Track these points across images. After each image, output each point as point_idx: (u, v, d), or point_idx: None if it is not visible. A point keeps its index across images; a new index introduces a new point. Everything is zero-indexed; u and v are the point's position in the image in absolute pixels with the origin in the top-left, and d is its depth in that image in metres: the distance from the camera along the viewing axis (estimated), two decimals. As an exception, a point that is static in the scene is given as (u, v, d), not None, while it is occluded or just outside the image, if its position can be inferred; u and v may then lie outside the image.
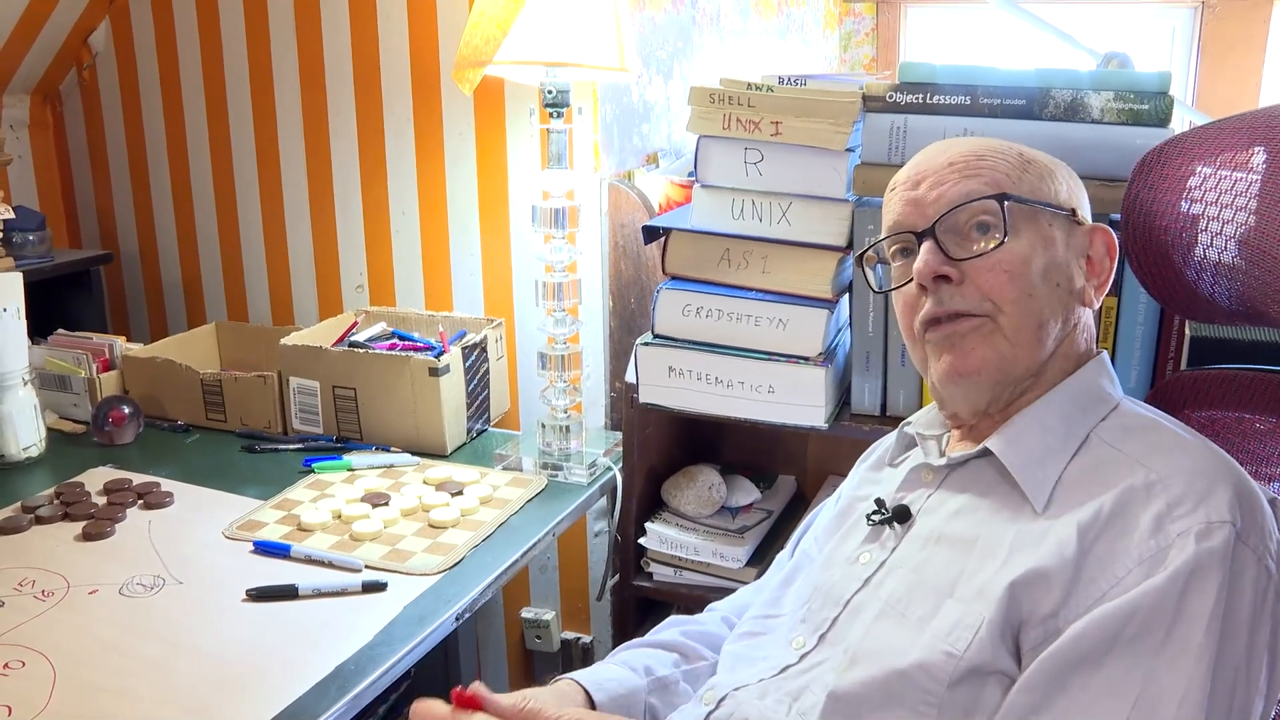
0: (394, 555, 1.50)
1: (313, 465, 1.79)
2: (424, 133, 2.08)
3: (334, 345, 1.93)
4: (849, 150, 1.45)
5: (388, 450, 1.85)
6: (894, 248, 1.05)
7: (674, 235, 1.59)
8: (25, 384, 1.82)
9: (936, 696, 0.88)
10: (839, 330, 1.57)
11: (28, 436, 1.82)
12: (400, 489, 1.71)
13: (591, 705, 1.08)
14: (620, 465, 1.74)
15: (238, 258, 2.36)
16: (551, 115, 1.67)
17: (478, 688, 0.95)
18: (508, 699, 0.95)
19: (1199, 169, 1.13)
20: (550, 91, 1.66)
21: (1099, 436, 0.97)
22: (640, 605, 1.77)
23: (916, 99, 1.42)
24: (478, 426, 1.95)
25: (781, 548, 1.58)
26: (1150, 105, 1.33)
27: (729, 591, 1.34)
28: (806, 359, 1.51)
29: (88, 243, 2.53)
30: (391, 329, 2.02)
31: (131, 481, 1.72)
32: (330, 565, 1.47)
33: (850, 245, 1.48)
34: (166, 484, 1.72)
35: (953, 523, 0.98)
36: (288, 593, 1.39)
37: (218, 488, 1.73)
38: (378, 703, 1.28)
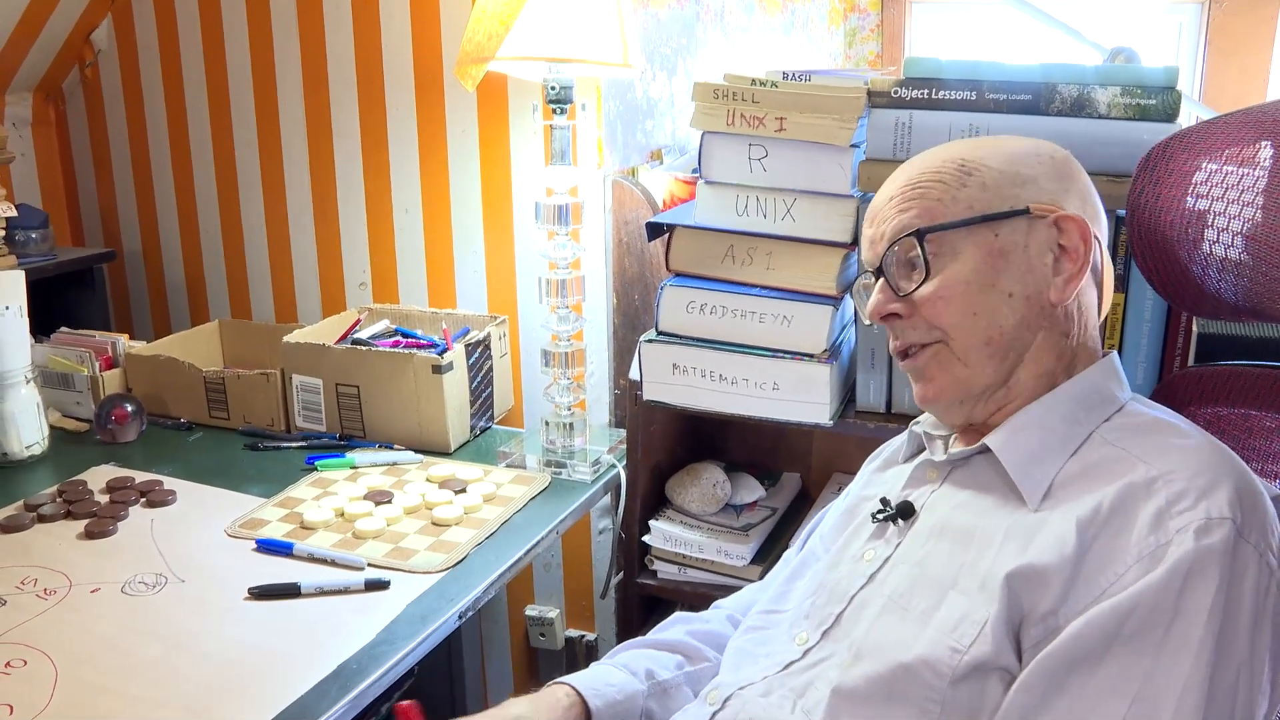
0: (397, 553, 1.49)
1: (315, 463, 1.78)
2: (427, 129, 2.07)
3: (337, 343, 1.92)
4: (854, 146, 1.45)
5: (391, 448, 1.85)
6: (868, 285, 1.08)
7: (678, 232, 1.58)
8: (28, 382, 1.81)
9: (940, 692, 0.88)
10: (844, 327, 1.56)
11: (30, 435, 1.82)
12: (403, 487, 1.70)
13: (587, 712, 1.08)
14: (624, 462, 1.73)
15: (240, 255, 2.35)
16: (555, 112, 1.66)
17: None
18: None
19: (1205, 164, 1.12)
20: (553, 88, 1.65)
21: (1101, 435, 0.96)
22: (644, 603, 1.77)
23: (922, 95, 1.41)
24: (481, 424, 1.95)
25: (786, 545, 1.58)
26: (1158, 100, 1.32)
27: (733, 589, 1.33)
28: (811, 356, 1.50)
29: (91, 240, 2.53)
30: (395, 326, 2.02)
31: (134, 480, 1.72)
32: (333, 563, 1.46)
33: (855, 241, 1.47)
34: (169, 482, 1.72)
35: (953, 516, 0.98)
36: (290, 591, 1.38)
37: (220, 486, 1.72)
38: (380, 701, 1.28)
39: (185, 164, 2.36)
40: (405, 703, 1.00)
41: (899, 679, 0.90)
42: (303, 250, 2.28)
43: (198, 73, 2.28)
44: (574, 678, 1.12)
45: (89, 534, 1.55)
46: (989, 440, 0.98)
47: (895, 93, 1.42)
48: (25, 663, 1.23)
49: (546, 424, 1.81)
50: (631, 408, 1.68)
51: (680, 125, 2.20)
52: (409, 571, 1.44)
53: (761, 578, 1.32)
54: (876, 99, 1.43)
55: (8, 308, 1.77)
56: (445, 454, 1.85)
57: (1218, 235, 1.09)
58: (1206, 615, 0.81)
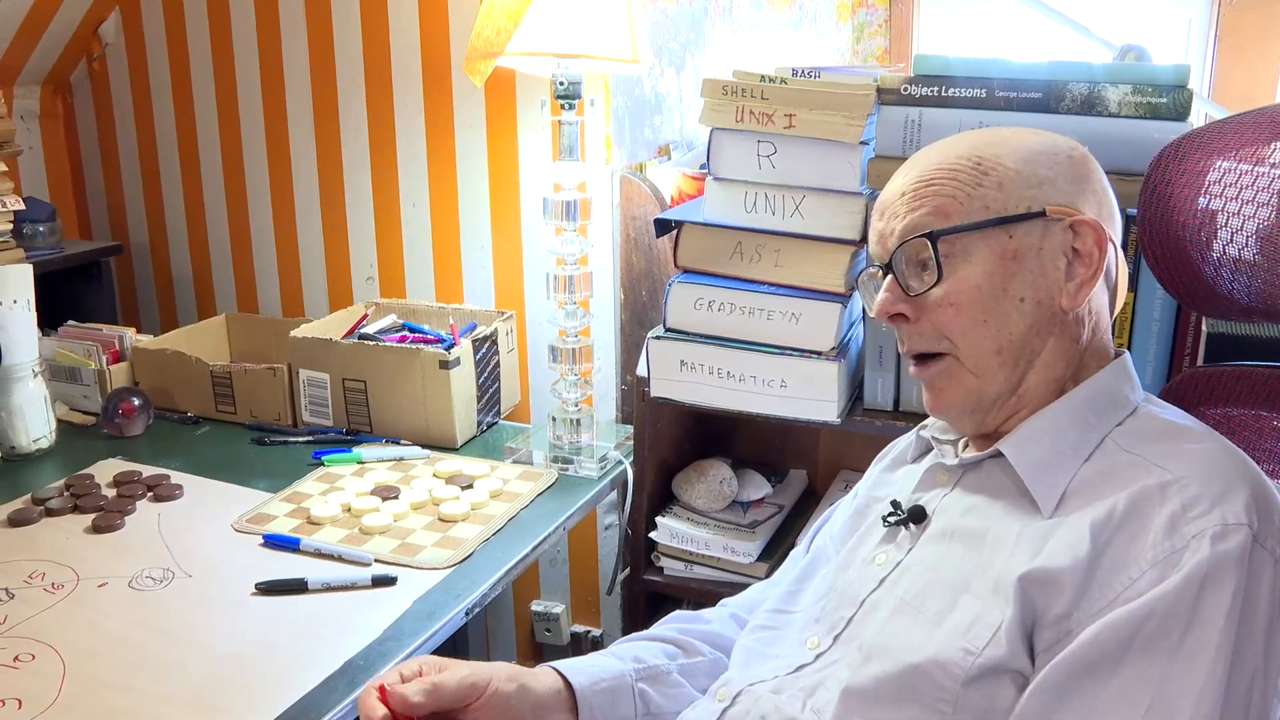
0: (404, 549, 1.49)
1: (322, 458, 1.78)
2: (435, 124, 2.07)
3: (344, 337, 1.92)
4: (863, 143, 1.44)
5: (398, 443, 1.85)
6: (875, 278, 1.06)
7: (686, 228, 1.58)
8: (35, 375, 1.82)
9: (952, 694, 0.87)
10: (852, 324, 1.56)
11: (38, 428, 1.82)
12: (410, 482, 1.70)
13: (570, 691, 1.07)
14: (631, 459, 1.73)
15: (248, 249, 2.35)
16: (563, 107, 1.66)
17: (394, 686, 1.00)
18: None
19: (1218, 163, 1.11)
20: (562, 83, 1.65)
21: (1114, 441, 0.95)
22: (650, 599, 1.77)
23: (931, 92, 1.41)
24: (488, 419, 1.95)
25: (793, 543, 1.58)
26: (1169, 99, 1.32)
27: (740, 586, 1.33)
28: (819, 353, 1.50)
29: (98, 234, 2.53)
30: (402, 321, 2.02)
31: (141, 474, 1.72)
32: (340, 559, 1.46)
33: (864, 239, 1.47)
34: (176, 476, 1.72)
35: (966, 520, 0.97)
36: (297, 586, 1.38)
37: (227, 480, 1.72)
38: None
39: (192, 157, 2.36)
40: (383, 683, 1.01)
41: (910, 679, 0.90)
42: (310, 244, 2.28)
43: (205, 66, 2.28)
44: (556, 662, 1.11)
45: (96, 528, 1.55)
46: (1002, 445, 0.97)
47: (905, 90, 1.42)
48: (33, 657, 1.24)
49: (553, 420, 1.81)
50: (639, 404, 1.67)
51: (688, 121, 2.19)
52: (416, 568, 1.44)
53: (768, 575, 1.31)
54: (886, 96, 1.43)
55: (15, 301, 1.77)
56: (452, 449, 1.85)
57: (1230, 235, 1.08)
58: (1223, 621, 0.81)
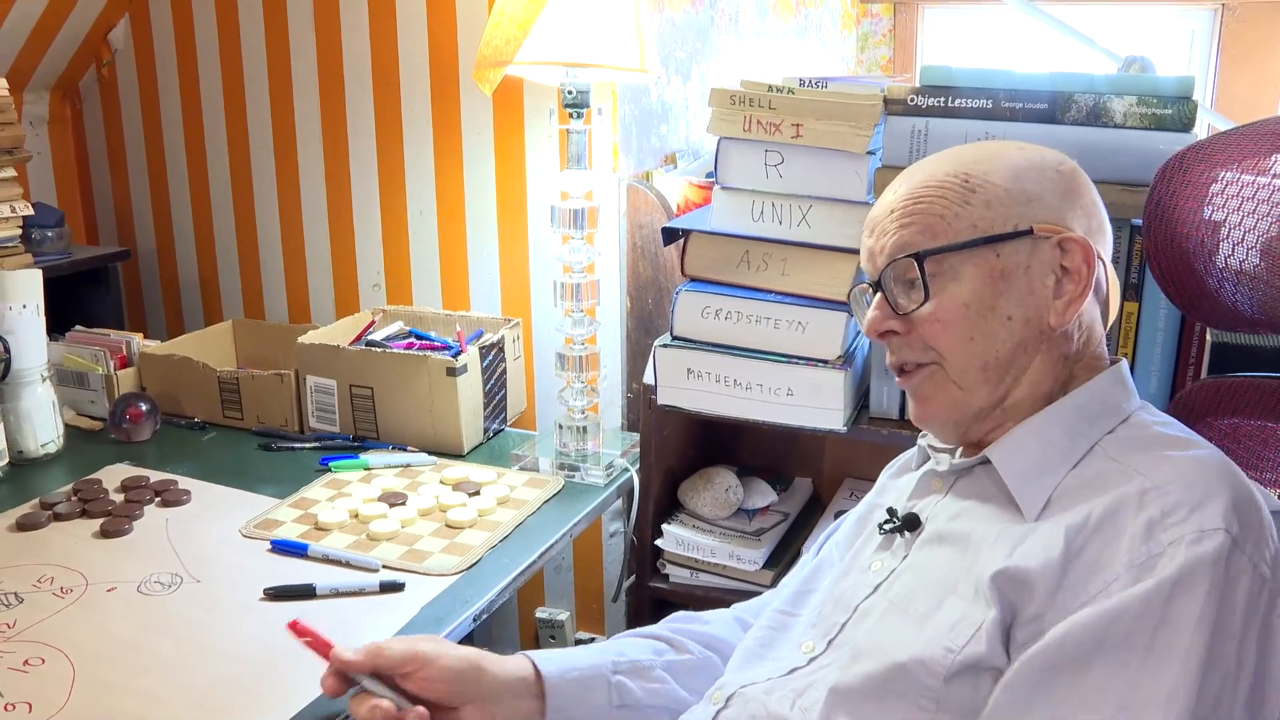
0: (411, 555, 1.50)
1: (329, 464, 1.79)
2: (442, 132, 2.08)
3: (351, 344, 1.93)
4: (870, 153, 1.45)
5: (404, 450, 1.85)
6: (866, 293, 1.07)
7: (693, 237, 1.59)
8: (44, 380, 1.82)
9: (934, 691, 0.88)
10: (858, 333, 1.57)
11: (46, 433, 1.83)
12: (417, 489, 1.71)
13: (539, 679, 1.07)
14: (637, 466, 1.74)
15: (255, 255, 2.36)
16: (571, 116, 1.67)
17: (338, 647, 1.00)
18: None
19: (1221, 175, 1.12)
20: (570, 92, 1.65)
21: (1103, 448, 0.95)
22: (656, 606, 1.77)
23: (938, 102, 1.42)
24: (494, 427, 1.95)
25: (798, 550, 1.58)
26: (1173, 110, 1.33)
27: (745, 594, 1.34)
28: (825, 362, 1.51)
29: (105, 239, 2.54)
30: (408, 328, 2.03)
31: (149, 479, 1.72)
32: (348, 565, 1.47)
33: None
34: (183, 482, 1.73)
35: (954, 523, 0.98)
36: (305, 592, 1.39)
37: (234, 486, 1.73)
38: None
39: (200, 163, 2.37)
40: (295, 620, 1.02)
41: (894, 677, 0.90)
42: (317, 251, 2.28)
43: (213, 73, 2.29)
44: (532, 652, 1.11)
45: (104, 533, 1.55)
46: (989, 452, 0.98)
47: (911, 100, 1.43)
48: (43, 660, 1.24)
49: (560, 427, 1.82)
50: (645, 412, 1.68)
51: (694, 130, 2.20)
52: (424, 574, 1.45)
53: (773, 583, 1.32)
54: (893, 106, 1.44)
55: (25, 306, 1.78)
56: (458, 456, 1.85)
57: (1233, 247, 1.09)
58: (1195, 623, 0.80)
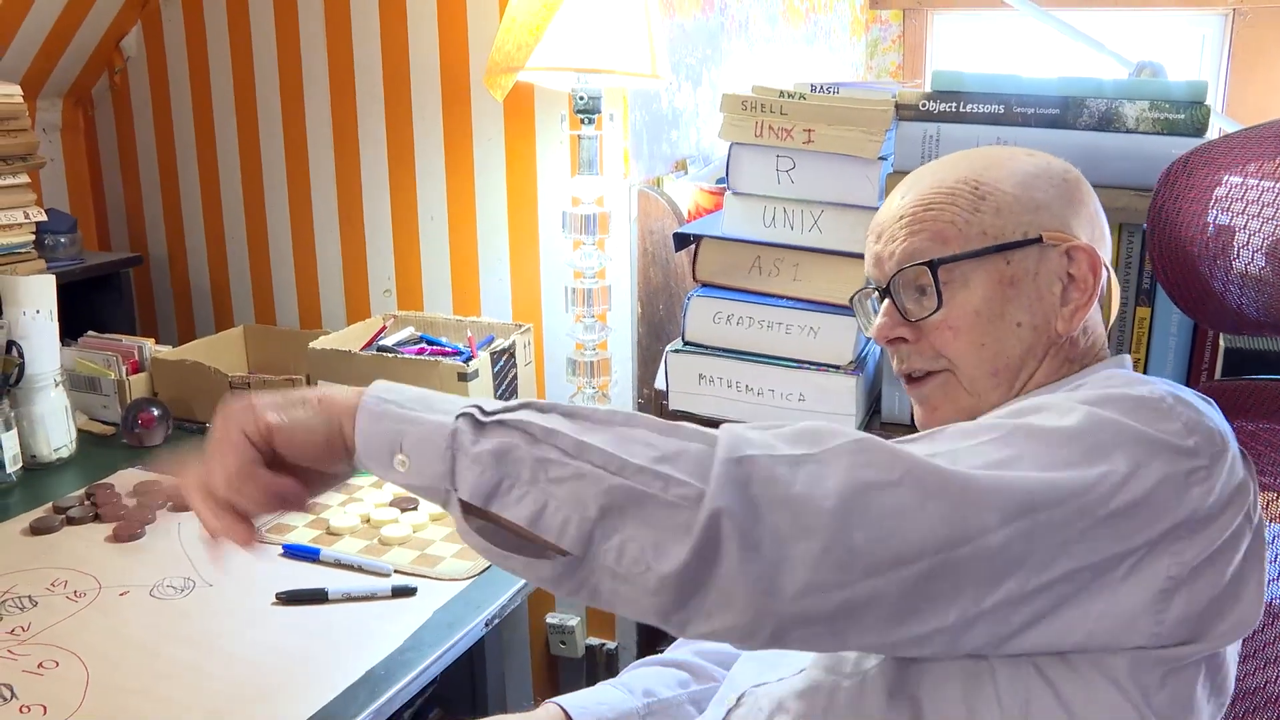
0: (423, 560, 1.50)
1: (341, 469, 1.79)
2: (453, 137, 2.09)
3: (362, 349, 1.93)
4: (881, 158, 1.45)
5: (415, 454, 1.85)
6: (870, 298, 1.08)
7: (705, 243, 1.59)
8: (57, 385, 1.83)
9: None
10: (869, 339, 1.56)
11: (59, 438, 1.83)
12: (428, 493, 1.71)
13: None
14: (648, 472, 1.73)
15: (266, 261, 2.37)
16: (582, 121, 1.68)
17: None
18: None
19: (1226, 178, 1.12)
20: (582, 98, 1.66)
21: None
22: (666, 612, 1.77)
23: (949, 108, 1.42)
24: (505, 431, 1.95)
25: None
26: (1186, 115, 1.33)
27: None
28: (837, 367, 1.51)
29: (117, 245, 2.55)
30: (420, 334, 2.03)
31: (161, 483, 1.73)
32: (360, 569, 1.47)
33: (882, 253, 1.48)
34: (196, 486, 1.72)
35: None
36: (317, 596, 1.39)
37: (246, 490, 1.73)
38: (402, 709, 1.29)
39: (212, 170, 2.38)
40: None
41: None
42: (328, 256, 2.29)
43: (225, 80, 2.30)
44: (566, 697, 1.12)
45: (117, 537, 1.56)
46: None
47: (923, 106, 1.43)
48: (57, 664, 1.25)
49: (570, 432, 1.81)
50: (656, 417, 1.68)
51: (705, 135, 2.21)
52: (436, 579, 1.45)
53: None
54: (904, 112, 1.44)
55: (39, 311, 1.79)
56: (469, 461, 1.85)
57: (1238, 250, 1.09)
58: (1088, 421, 0.81)
